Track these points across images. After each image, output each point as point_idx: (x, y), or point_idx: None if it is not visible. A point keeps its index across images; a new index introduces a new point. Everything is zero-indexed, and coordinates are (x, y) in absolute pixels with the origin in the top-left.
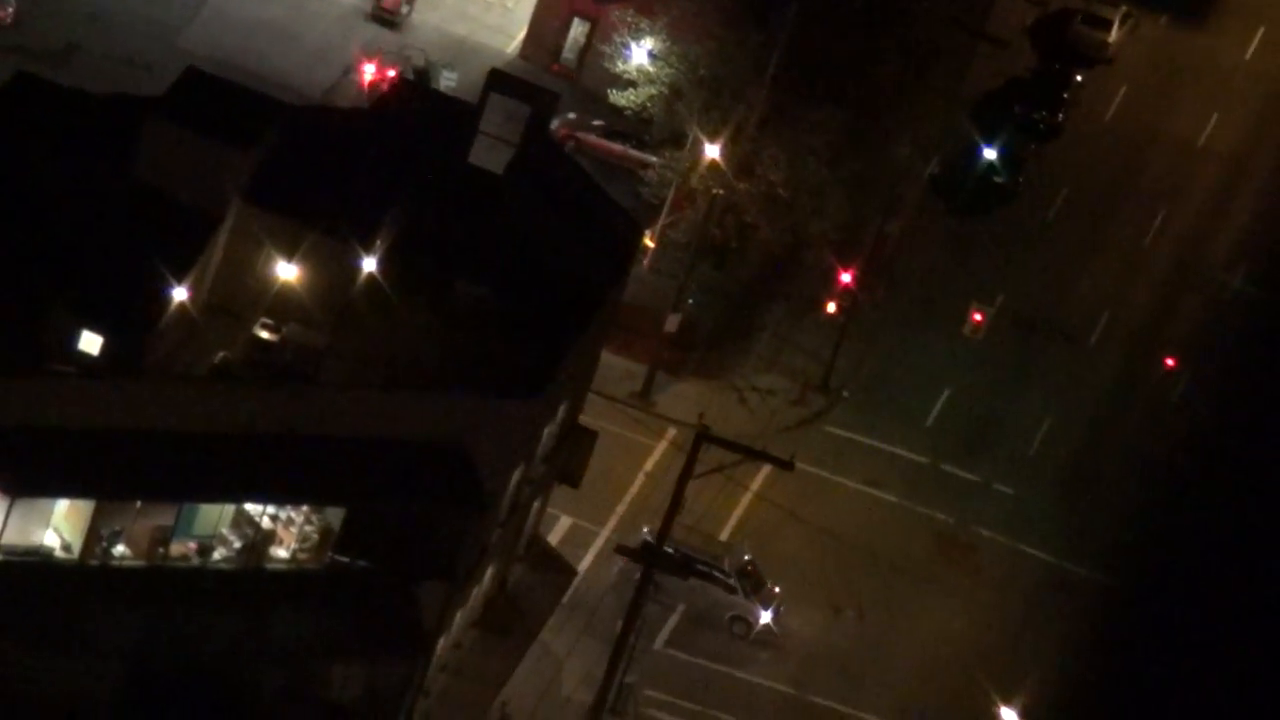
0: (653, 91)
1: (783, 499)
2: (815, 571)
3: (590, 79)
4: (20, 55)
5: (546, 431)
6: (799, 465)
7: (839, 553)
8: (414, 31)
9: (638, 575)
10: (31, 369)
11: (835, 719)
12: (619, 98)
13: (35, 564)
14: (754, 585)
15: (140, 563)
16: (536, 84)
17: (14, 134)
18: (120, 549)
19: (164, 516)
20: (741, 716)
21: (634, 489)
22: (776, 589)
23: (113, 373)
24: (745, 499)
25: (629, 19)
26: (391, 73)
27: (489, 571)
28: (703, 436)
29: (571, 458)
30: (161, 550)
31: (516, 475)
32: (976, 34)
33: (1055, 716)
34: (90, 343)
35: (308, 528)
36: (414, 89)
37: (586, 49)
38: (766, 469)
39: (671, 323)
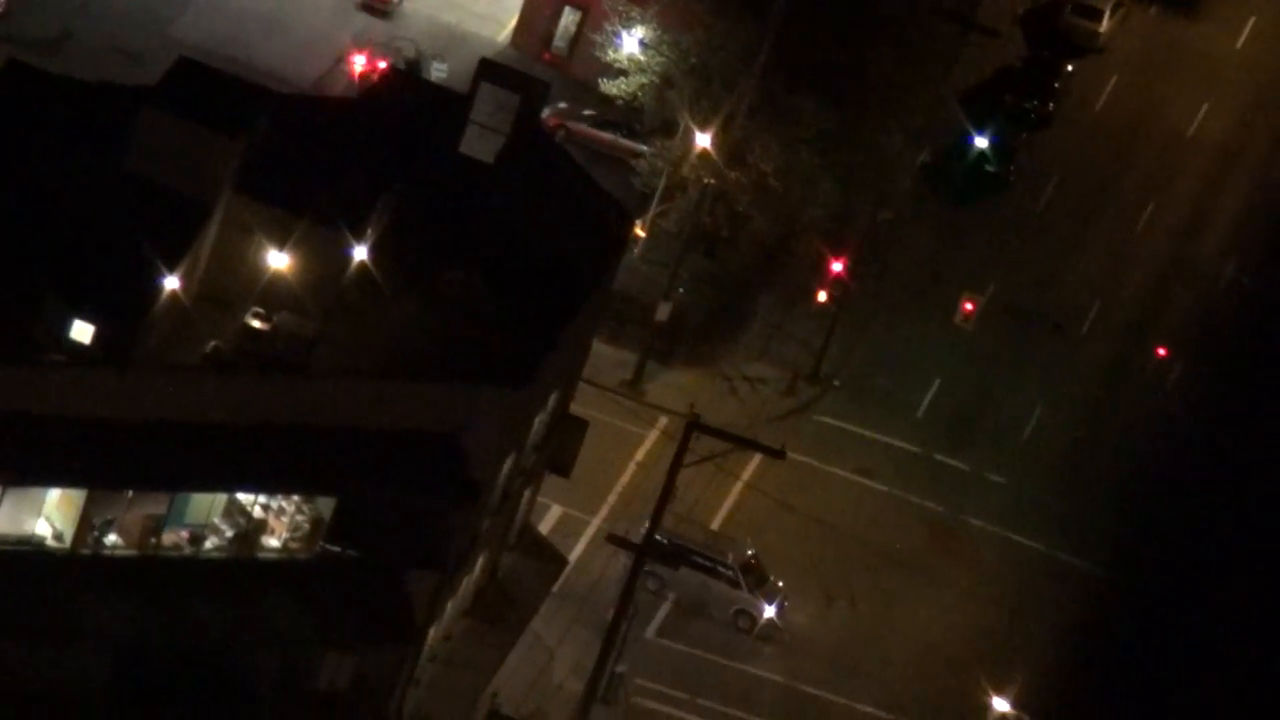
0: (644, 80)
1: (774, 488)
2: (807, 561)
3: (581, 68)
4: (12, 44)
5: (537, 420)
6: (790, 455)
7: (831, 542)
8: (405, 20)
9: (647, 569)
10: (23, 358)
11: (827, 708)
12: (610, 87)
13: (27, 553)
14: (757, 579)
15: (132, 552)
16: (527, 73)
17: (5, 123)
18: (112, 538)
19: (156, 506)
20: (733, 705)
21: (625, 478)
22: (780, 583)
23: (104, 362)
24: (736, 488)
25: (620, 7)
26: (382, 64)
27: (480, 561)
28: (694, 425)
29: (562, 447)
30: (153, 539)
31: (507, 464)
32: (967, 23)
33: (1047, 706)
34: (82, 332)
35: (299, 517)
36: (404, 78)
37: (577, 38)
38: (757, 458)
39: (662, 312)
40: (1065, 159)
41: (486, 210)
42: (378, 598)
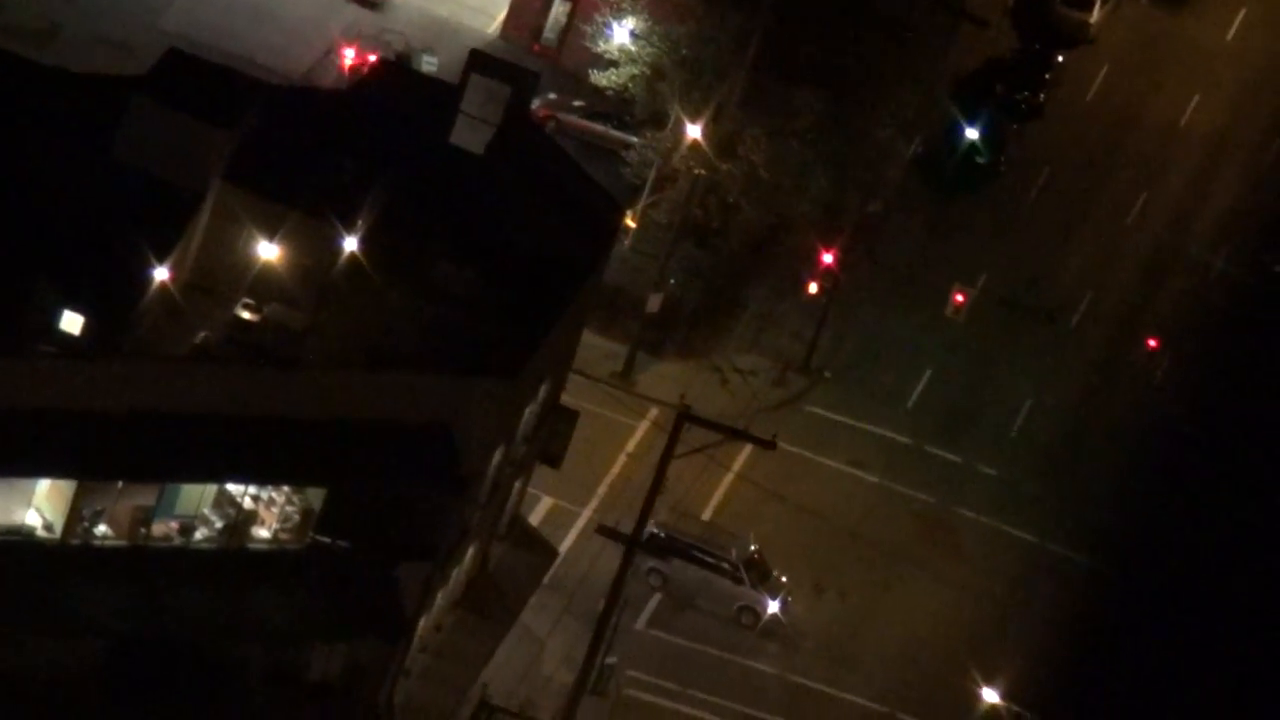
0: (634, 71)
1: (765, 480)
2: (797, 552)
3: (571, 59)
4: (1, 35)
5: (528, 411)
6: (781, 446)
7: (821, 533)
8: (394, 11)
9: (650, 565)
10: (12, 348)
11: (816, 698)
12: (600, 78)
13: (17, 543)
14: (761, 575)
15: (122, 542)
16: (517, 64)
17: None
18: (102, 529)
19: (146, 496)
20: (723, 696)
21: (615, 469)
22: (784, 578)
23: (94, 352)
24: (727, 479)
25: None
26: (372, 58)
27: (470, 552)
28: (684, 416)
29: (553, 438)
30: (143, 530)
31: (498, 456)
32: (958, 14)
33: (1037, 697)
34: (72, 322)
35: (289, 508)
36: (394, 70)
37: (568, 29)
38: (748, 449)
39: (653, 303)
40: (1056, 150)
41: (477, 201)
42: (368, 589)
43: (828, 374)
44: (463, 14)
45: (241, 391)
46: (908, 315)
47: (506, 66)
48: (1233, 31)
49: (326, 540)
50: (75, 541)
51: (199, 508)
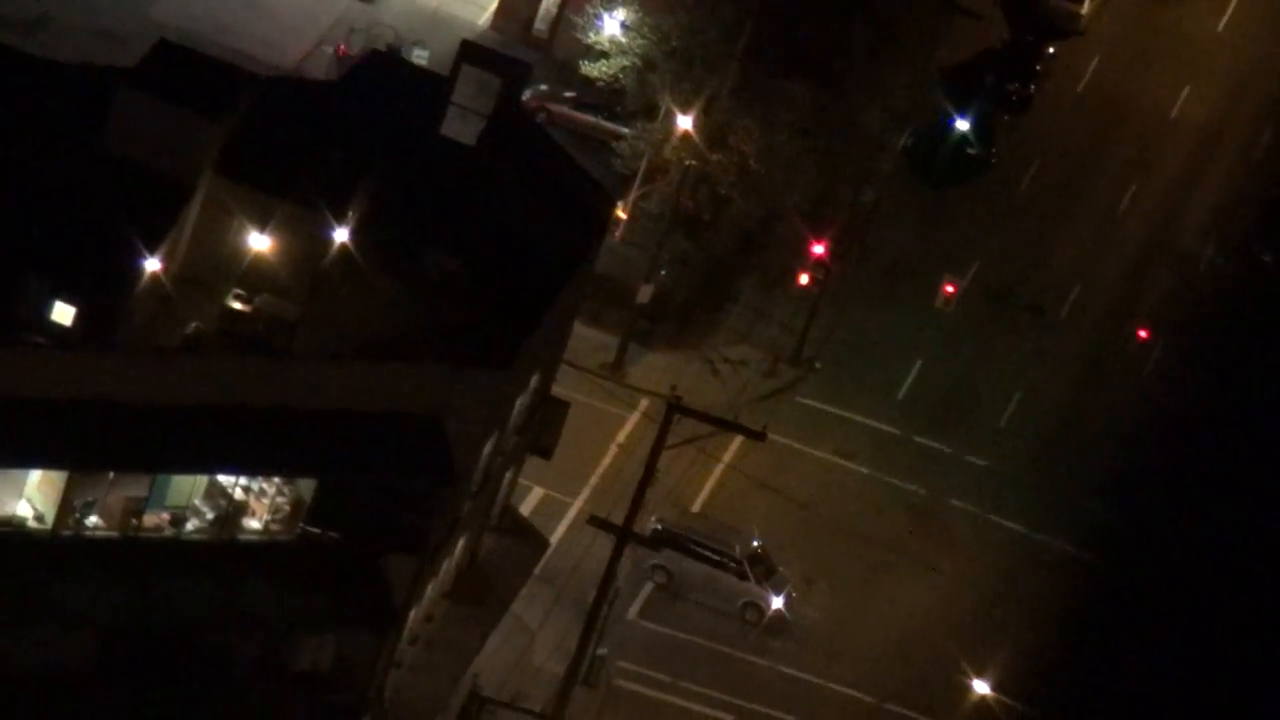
0: (625, 63)
1: (755, 470)
2: (787, 543)
3: (562, 50)
4: None
5: (518, 403)
6: (771, 437)
7: (811, 524)
8: (387, 3)
9: (653, 562)
10: (4, 339)
11: (806, 689)
12: (591, 69)
13: (8, 534)
14: (765, 571)
15: (113, 534)
16: (508, 55)
17: None
18: (93, 520)
19: (137, 487)
20: (714, 687)
21: (606, 460)
22: (788, 574)
23: (85, 343)
24: (717, 470)
25: None
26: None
27: (461, 543)
28: (675, 408)
29: (544, 429)
30: (134, 521)
31: (488, 447)
32: (949, 5)
33: (1027, 688)
34: (63, 313)
35: (279, 499)
36: (385, 61)
37: (558, 20)
38: (738, 440)
39: (644, 294)
40: (1047, 141)
41: (468, 193)
42: (358, 580)
43: (818, 365)
44: (453, 5)
45: (232, 382)
46: (898, 306)
47: (498, 58)
48: (1224, 22)
49: (317, 531)
50: (66, 533)
51: (190, 499)
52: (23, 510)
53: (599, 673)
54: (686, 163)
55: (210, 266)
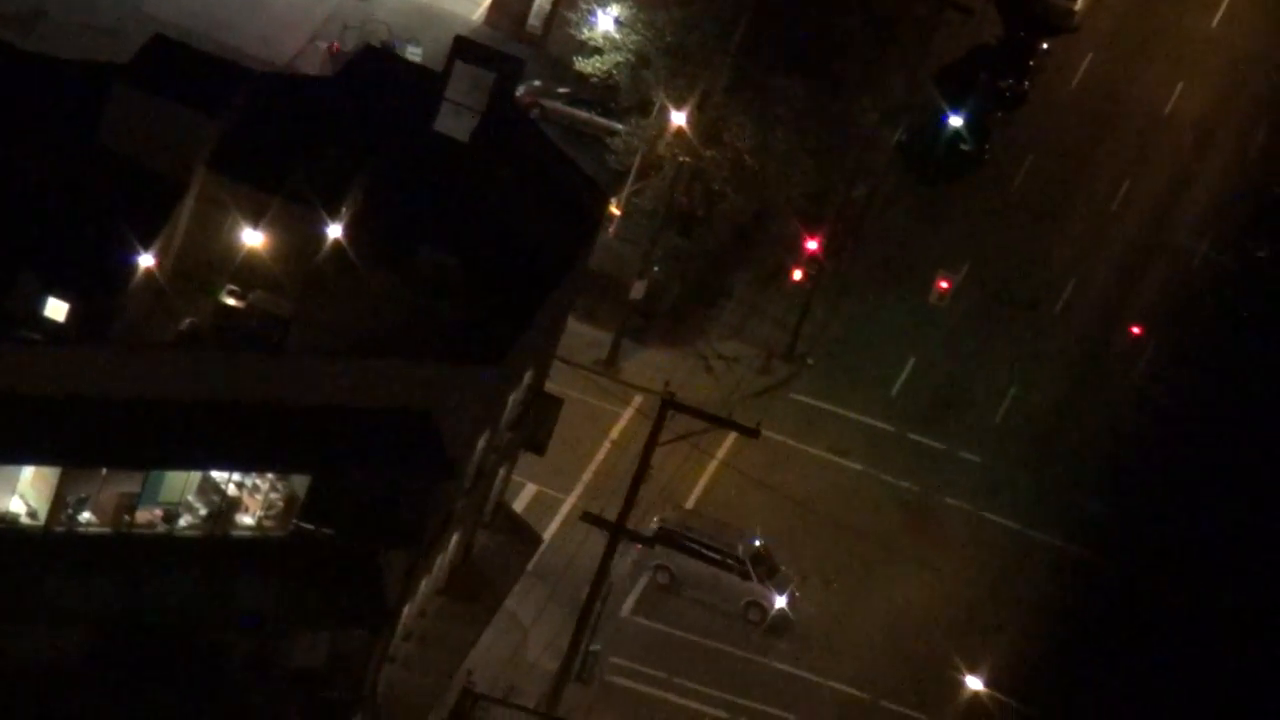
0: (619, 59)
1: (749, 467)
2: (781, 539)
3: (556, 46)
4: None
5: (512, 399)
6: (765, 433)
7: (805, 521)
8: None
9: (656, 562)
10: None
11: (801, 685)
12: (585, 65)
13: (1, 531)
14: (768, 571)
15: (106, 530)
16: (502, 51)
17: None
18: (86, 516)
19: (130, 484)
20: (708, 683)
21: (600, 456)
22: (791, 573)
23: (79, 339)
24: (711, 467)
25: None
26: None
27: (454, 539)
28: (668, 404)
29: (537, 425)
30: (127, 517)
31: (482, 443)
32: (943, 2)
33: (1020, 684)
34: (56, 309)
35: (273, 495)
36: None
37: (552, 16)
38: (732, 437)
39: (637, 290)
40: (1041, 137)
41: (461, 189)
42: (352, 576)
43: (811, 361)
44: (447, 0)
45: (226, 378)
46: (892, 302)
47: (491, 54)
48: (1218, 18)
49: (310, 527)
50: (59, 529)
51: (183, 495)
52: (15, 506)
53: (592, 669)
54: (680, 159)
55: (204, 262)
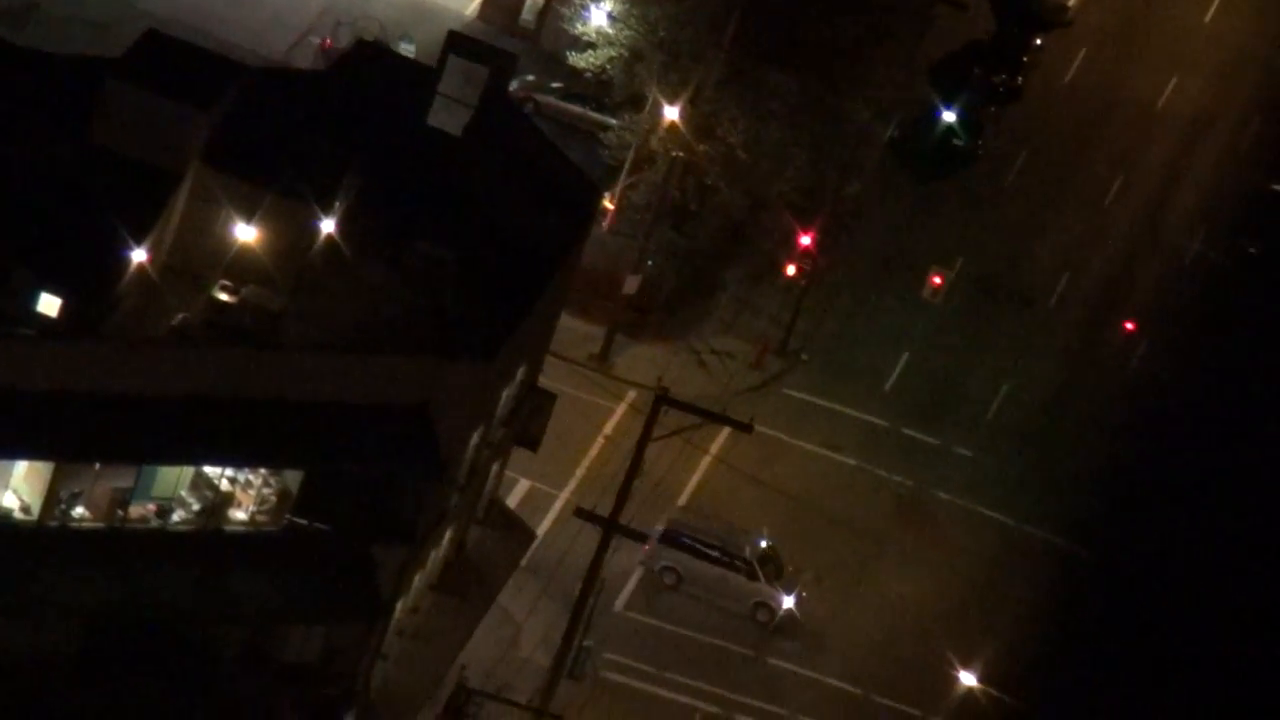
0: (612, 53)
1: (742, 462)
2: (774, 535)
3: (549, 40)
4: None
5: (505, 394)
6: (758, 428)
7: (798, 516)
8: None
9: (663, 563)
10: None
11: (794, 680)
12: (578, 59)
13: None
14: (775, 571)
15: (99, 525)
16: (495, 46)
17: None
18: (79, 511)
19: (123, 478)
20: (700, 679)
21: (593, 452)
22: (799, 573)
23: (72, 334)
24: (704, 462)
25: None
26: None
27: (447, 535)
28: (662, 399)
29: (530, 420)
30: (121, 512)
31: (475, 438)
32: None
33: (1013, 680)
34: (49, 304)
35: (266, 490)
36: (372, 52)
37: (545, 10)
38: (726, 432)
39: (631, 285)
40: (1034, 132)
41: (454, 183)
42: (345, 571)
43: (805, 356)
44: None
45: (219, 373)
46: (885, 298)
47: (484, 48)
48: (1211, 13)
49: (304, 522)
50: (53, 523)
51: (176, 490)
52: (9, 501)
53: (585, 664)
54: (673, 153)
55: (197, 257)
